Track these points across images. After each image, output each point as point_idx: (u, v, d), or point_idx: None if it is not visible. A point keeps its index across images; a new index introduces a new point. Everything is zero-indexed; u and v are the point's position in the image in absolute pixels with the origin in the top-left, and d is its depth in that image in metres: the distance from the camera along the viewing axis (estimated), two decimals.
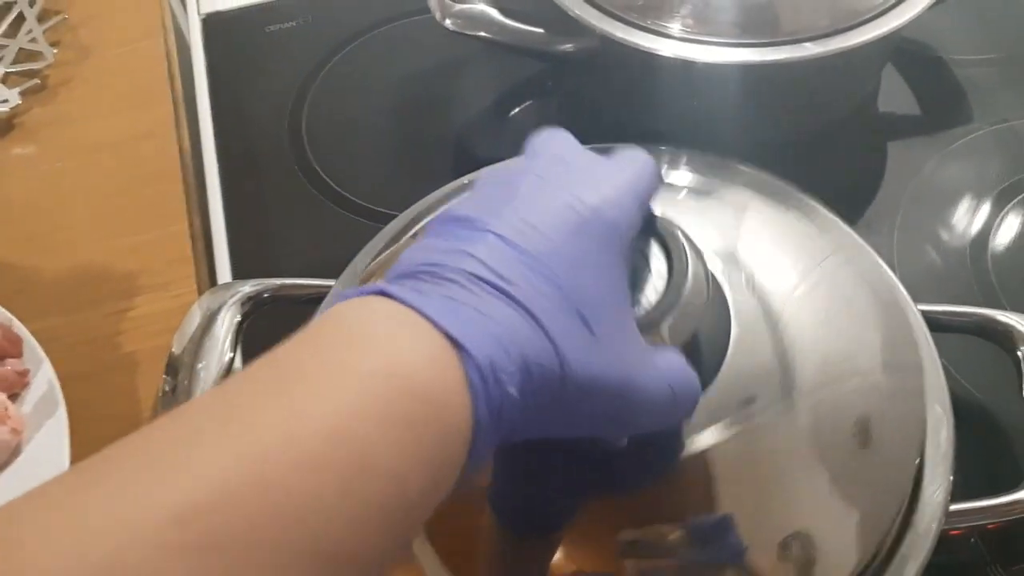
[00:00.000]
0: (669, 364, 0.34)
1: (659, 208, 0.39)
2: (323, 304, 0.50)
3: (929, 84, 0.66)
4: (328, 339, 0.28)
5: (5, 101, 0.62)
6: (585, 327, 0.30)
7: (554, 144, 0.37)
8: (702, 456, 0.39)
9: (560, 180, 0.33)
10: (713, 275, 0.40)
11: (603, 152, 0.38)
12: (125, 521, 0.22)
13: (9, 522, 0.22)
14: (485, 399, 0.27)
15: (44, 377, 0.48)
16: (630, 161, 0.37)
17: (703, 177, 0.50)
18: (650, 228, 0.39)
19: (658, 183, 0.38)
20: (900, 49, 0.65)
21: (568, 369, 0.29)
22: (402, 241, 0.52)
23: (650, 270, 0.38)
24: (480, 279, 0.29)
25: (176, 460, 0.23)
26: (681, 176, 0.50)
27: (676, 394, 0.34)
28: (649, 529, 0.38)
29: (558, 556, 0.37)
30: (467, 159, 0.56)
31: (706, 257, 0.39)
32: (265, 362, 0.27)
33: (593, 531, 0.38)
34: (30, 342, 0.49)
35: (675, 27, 0.54)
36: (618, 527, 0.37)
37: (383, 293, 0.28)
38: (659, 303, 0.37)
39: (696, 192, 0.49)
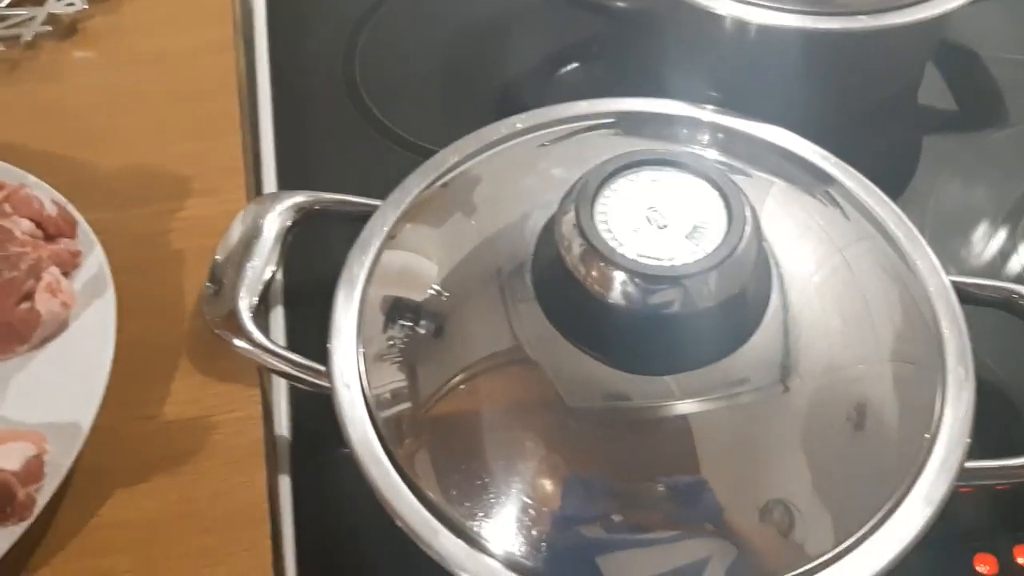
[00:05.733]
0: None
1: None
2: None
3: (967, 83, 0.68)
4: None
5: (71, 4, 0.63)
6: None
7: None
8: (741, 411, 0.41)
9: None
10: (763, 241, 0.41)
11: None
12: None
13: None
14: None
15: (95, 261, 0.49)
16: None
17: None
18: (713, 180, 0.41)
19: None
20: (942, 46, 0.66)
21: None
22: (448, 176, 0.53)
23: (708, 222, 0.39)
24: None
25: None
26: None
27: None
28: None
29: None
30: (509, 107, 0.57)
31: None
32: None
33: None
34: (83, 226, 0.50)
35: None
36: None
37: None
38: (713, 253, 0.38)
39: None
